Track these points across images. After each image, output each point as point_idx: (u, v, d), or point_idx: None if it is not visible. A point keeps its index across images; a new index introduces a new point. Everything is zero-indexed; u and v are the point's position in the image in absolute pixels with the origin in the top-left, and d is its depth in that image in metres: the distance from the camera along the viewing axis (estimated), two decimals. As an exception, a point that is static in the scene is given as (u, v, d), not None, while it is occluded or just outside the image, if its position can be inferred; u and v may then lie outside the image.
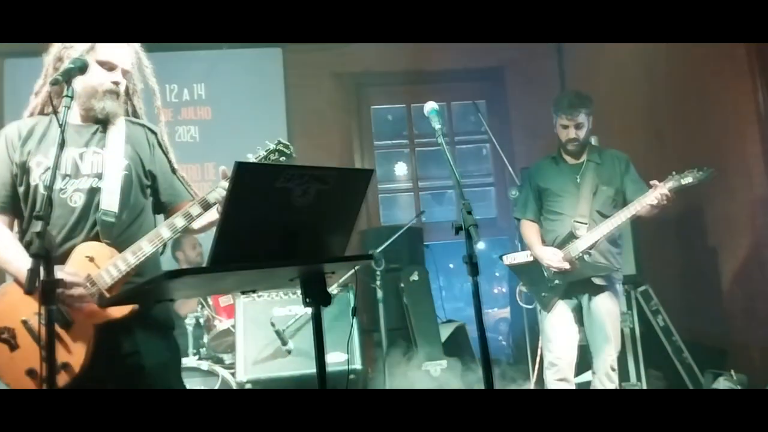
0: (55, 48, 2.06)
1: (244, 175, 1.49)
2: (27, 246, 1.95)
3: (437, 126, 2.40)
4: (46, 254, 1.68)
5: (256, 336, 3.39)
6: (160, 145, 2.19)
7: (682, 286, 4.29)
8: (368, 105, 5.45)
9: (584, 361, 3.24)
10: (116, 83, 2.05)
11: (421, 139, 5.63)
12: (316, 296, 1.80)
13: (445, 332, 4.37)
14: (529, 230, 3.23)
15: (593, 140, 3.51)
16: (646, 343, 3.88)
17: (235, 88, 5.15)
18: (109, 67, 2.05)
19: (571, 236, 3.03)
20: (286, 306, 3.45)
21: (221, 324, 3.74)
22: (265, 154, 2.10)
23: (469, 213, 2.01)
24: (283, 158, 2.11)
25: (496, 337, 6.40)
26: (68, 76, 1.94)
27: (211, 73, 5.17)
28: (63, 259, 1.94)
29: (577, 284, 3.06)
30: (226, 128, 5.03)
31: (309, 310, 1.79)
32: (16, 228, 2.06)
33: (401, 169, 5.78)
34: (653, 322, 3.98)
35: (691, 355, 3.91)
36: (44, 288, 1.67)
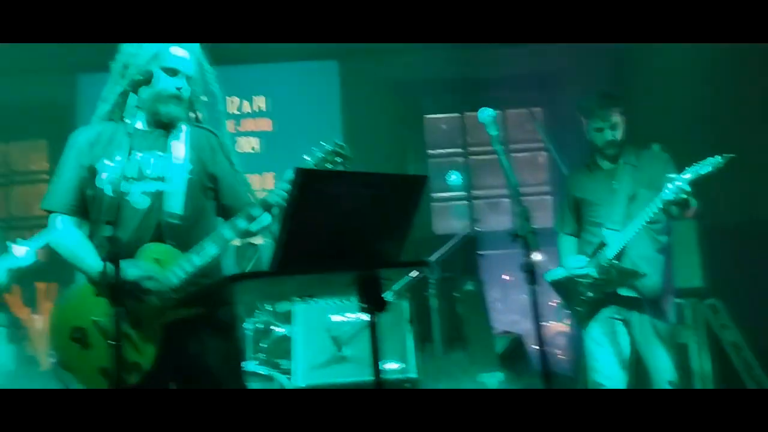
0: (123, 55, 2.14)
1: (303, 179, 1.53)
2: (97, 248, 2.05)
3: (493, 133, 2.39)
4: (117, 258, 1.78)
5: (313, 342, 3.44)
6: (221, 148, 2.23)
7: (756, 299, 4.08)
8: (422, 114, 5.47)
9: (642, 379, 3.09)
10: (179, 89, 2.12)
11: (476, 147, 5.60)
12: (373, 302, 1.81)
13: (501, 344, 4.31)
14: (563, 245, 3.08)
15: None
16: (712, 359, 3.71)
17: (293, 100, 5.27)
18: (173, 72, 2.12)
19: (602, 244, 2.86)
20: (343, 312, 3.48)
21: (278, 329, 3.81)
22: (323, 155, 2.12)
23: (527, 220, 1.99)
24: (338, 159, 2.12)
25: (553, 351, 6.25)
26: (134, 85, 2.07)
27: (271, 85, 5.32)
28: None
29: (615, 297, 2.86)
30: (286, 139, 5.16)
31: (365, 317, 1.80)
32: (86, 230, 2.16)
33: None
34: (720, 336, 3.80)
35: (765, 372, 3.71)
36: (114, 289, 1.77)
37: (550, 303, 3.35)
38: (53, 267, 3.43)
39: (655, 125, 3.11)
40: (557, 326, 7.38)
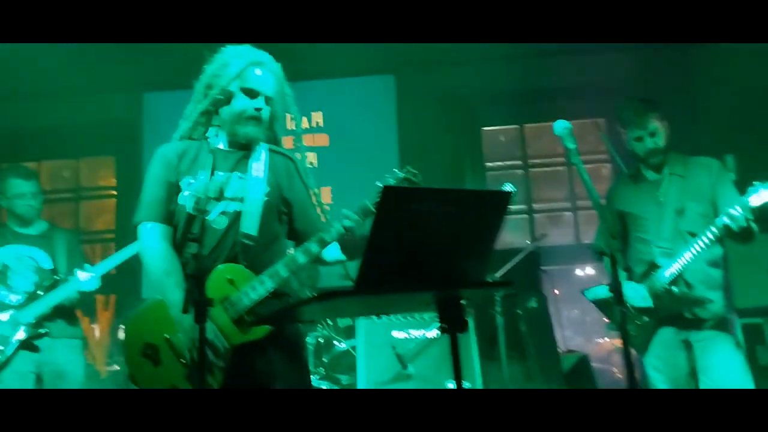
0: (206, 75, 2.19)
1: (389, 197, 1.50)
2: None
3: (571, 146, 2.32)
4: (201, 275, 1.79)
5: (377, 358, 3.41)
6: (298, 174, 2.24)
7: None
8: (479, 126, 5.40)
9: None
10: (258, 110, 2.13)
11: (536, 159, 5.48)
12: (454, 322, 1.77)
13: (566, 364, 4.18)
14: (608, 261, 2.90)
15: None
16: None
17: (350, 116, 5.30)
18: (253, 94, 2.14)
19: (654, 266, 2.65)
20: (406, 329, 3.43)
21: (341, 345, 3.79)
22: (395, 183, 2.09)
23: (614, 238, 1.90)
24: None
25: (609, 368, 6.05)
26: (215, 104, 2.11)
27: (328, 101, 5.35)
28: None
29: (672, 319, 2.66)
30: (343, 154, 5.18)
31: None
32: None
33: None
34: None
35: None
36: (198, 307, 1.77)
37: (604, 319, 3.18)
38: (114, 279, 3.51)
39: (726, 136, 2.94)
40: (611, 343, 7.14)
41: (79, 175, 5.69)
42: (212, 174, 2.07)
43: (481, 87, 5.25)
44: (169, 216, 2.12)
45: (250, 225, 2.06)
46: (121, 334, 3.41)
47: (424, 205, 1.53)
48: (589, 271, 5.64)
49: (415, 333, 3.40)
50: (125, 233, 5.33)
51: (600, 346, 6.38)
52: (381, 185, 1.72)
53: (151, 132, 5.34)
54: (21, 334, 3.14)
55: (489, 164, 5.47)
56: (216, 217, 2.06)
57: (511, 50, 4.94)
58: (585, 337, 6.29)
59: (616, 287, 1.83)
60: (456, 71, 5.13)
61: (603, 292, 2.79)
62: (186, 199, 2.08)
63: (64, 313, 3.30)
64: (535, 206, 5.48)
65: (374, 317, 3.48)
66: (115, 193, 5.65)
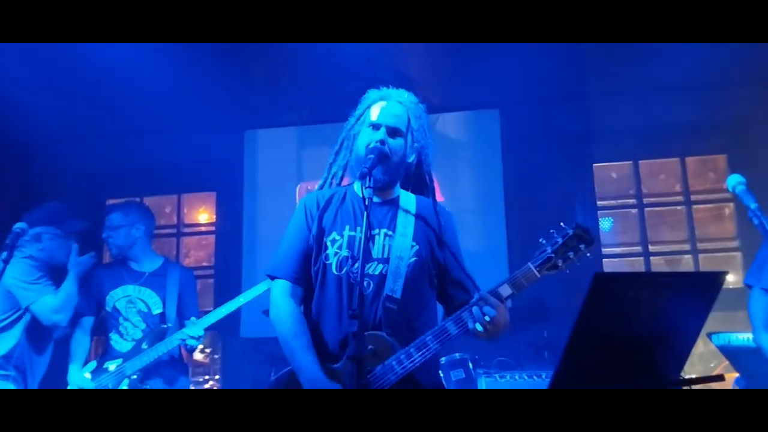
0: (347, 126, 2.12)
1: (602, 285, 1.30)
2: (313, 327, 1.93)
3: (752, 204, 2.03)
4: (362, 357, 1.62)
5: None
6: (452, 229, 2.06)
7: None
8: (590, 163, 5.10)
9: None
10: (381, 142, 1.96)
11: (651, 198, 5.11)
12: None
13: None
14: (759, 305, 2.51)
15: None
16: None
17: (454, 151, 5.12)
18: (376, 127, 2.01)
19: None
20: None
21: None
22: (562, 240, 1.86)
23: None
24: (582, 245, 1.86)
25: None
26: (370, 167, 1.89)
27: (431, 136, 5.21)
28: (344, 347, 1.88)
29: None
30: (446, 188, 4.99)
31: None
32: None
33: (628, 231, 5.27)
34: None
35: None
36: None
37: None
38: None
39: None
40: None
41: (181, 212, 5.77)
42: (355, 230, 1.94)
43: (590, 124, 4.98)
44: (302, 273, 1.99)
45: (395, 287, 1.90)
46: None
47: (636, 292, 1.31)
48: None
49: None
50: (225, 270, 5.37)
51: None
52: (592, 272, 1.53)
53: (251, 169, 5.37)
54: (123, 387, 3.08)
55: (601, 202, 5.14)
56: (362, 280, 1.89)
57: (621, 86, 4.71)
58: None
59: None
60: (564, 106, 4.89)
61: (740, 339, 2.49)
62: (331, 257, 1.95)
63: (166, 363, 3.24)
64: (651, 248, 5.09)
65: (496, 377, 3.25)
66: (214, 229, 5.69)
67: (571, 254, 1.81)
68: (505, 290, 1.82)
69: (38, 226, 3.19)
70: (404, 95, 2.09)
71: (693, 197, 5.05)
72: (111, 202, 4.70)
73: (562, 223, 1.90)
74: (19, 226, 2.67)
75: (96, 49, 3.85)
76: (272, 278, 2.02)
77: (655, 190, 5.08)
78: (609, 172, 5.27)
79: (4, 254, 2.55)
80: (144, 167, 5.50)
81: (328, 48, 4.19)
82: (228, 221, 5.44)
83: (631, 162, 5.11)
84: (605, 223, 5.25)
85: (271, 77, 4.89)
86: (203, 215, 5.91)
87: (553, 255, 1.80)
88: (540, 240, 1.88)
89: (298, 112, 5.23)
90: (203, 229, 5.85)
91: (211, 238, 5.68)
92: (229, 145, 5.43)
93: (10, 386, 3.03)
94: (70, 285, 3.06)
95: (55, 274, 3.16)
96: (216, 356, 5.71)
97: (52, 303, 3.04)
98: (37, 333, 3.15)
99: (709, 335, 2.70)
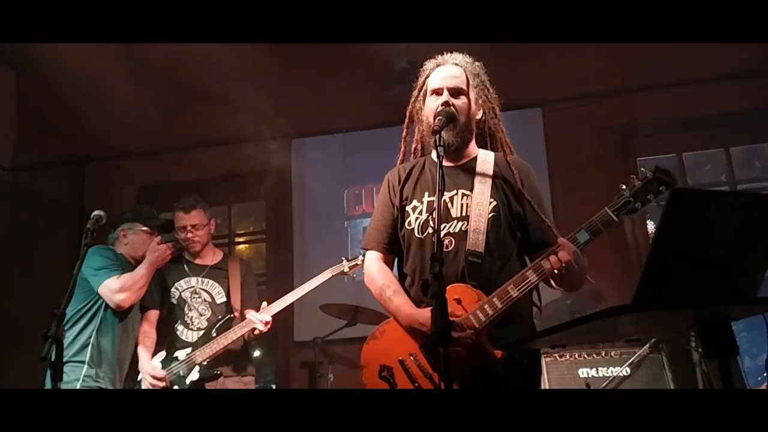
0: (413, 97, 2.22)
1: (679, 201, 1.37)
2: (409, 286, 2.05)
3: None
4: (443, 295, 1.71)
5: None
6: (529, 181, 2.14)
7: None
8: (634, 156, 5.12)
9: None
10: (446, 104, 2.05)
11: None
12: (723, 346, 1.58)
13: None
14: None
15: None
16: None
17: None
18: (438, 92, 2.10)
19: None
20: (593, 366, 3.19)
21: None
22: (641, 184, 1.91)
23: None
24: (662, 187, 1.91)
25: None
26: (441, 126, 1.99)
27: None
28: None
29: None
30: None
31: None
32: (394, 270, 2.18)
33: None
34: None
35: None
36: (440, 330, 1.69)
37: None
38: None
39: None
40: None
41: (231, 221, 5.94)
42: (435, 194, 2.03)
43: (635, 116, 5.02)
44: (391, 242, 2.14)
45: (477, 242, 1.98)
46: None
47: (714, 211, 1.37)
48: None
49: (603, 371, 3.16)
50: (276, 276, 5.49)
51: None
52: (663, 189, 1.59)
53: (300, 176, 5.52)
54: (195, 375, 3.19)
55: (646, 195, 5.13)
56: (443, 238, 2.00)
57: (661, 79, 4.75)
58: None
59: None
60: (606, 101, 4.95)
61: None
62: (413, 222, 2.08)
63: (235, 353, 3.34)
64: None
65: (556, 355, 3.27)
66: (263, 237, 5.85)
67: (650, 196, 1.87)
68: (583, 236, 1.90)
69: (126, 222, 3.40)
70: (458, 57, 2.19)
71: (739, 187, 5.03)
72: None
73: (642, 168, 1.94)
74: (97, 213, 2.77)
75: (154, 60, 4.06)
76: (365, 251, 2.20)
77: (700, 181, 5.07)
78: (653, 165, 5.27)
79: (87, 239, 2.65)
80: (193, 180, 5.70)
81: (372, 52, 4.36)
82: (277, 229, 5.59)
83: (675, 154, 5.11)
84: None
85: (317, 85, 5.08)
86: (254, 224, 6.07)
87: (631, 198, 1.87)
88: (620, 186, 1.94)
89: (339, 121, 5.40)
90: (253, 237, 6.00)
91: (262, 246, 5.83)
92: (276, 154, 5.60)
93: (84, 372, 3.11)
94: (140, 268, 3.18)
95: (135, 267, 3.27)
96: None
97: (113, 284, 3.13)
98: (114, 320, 3.23)
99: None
